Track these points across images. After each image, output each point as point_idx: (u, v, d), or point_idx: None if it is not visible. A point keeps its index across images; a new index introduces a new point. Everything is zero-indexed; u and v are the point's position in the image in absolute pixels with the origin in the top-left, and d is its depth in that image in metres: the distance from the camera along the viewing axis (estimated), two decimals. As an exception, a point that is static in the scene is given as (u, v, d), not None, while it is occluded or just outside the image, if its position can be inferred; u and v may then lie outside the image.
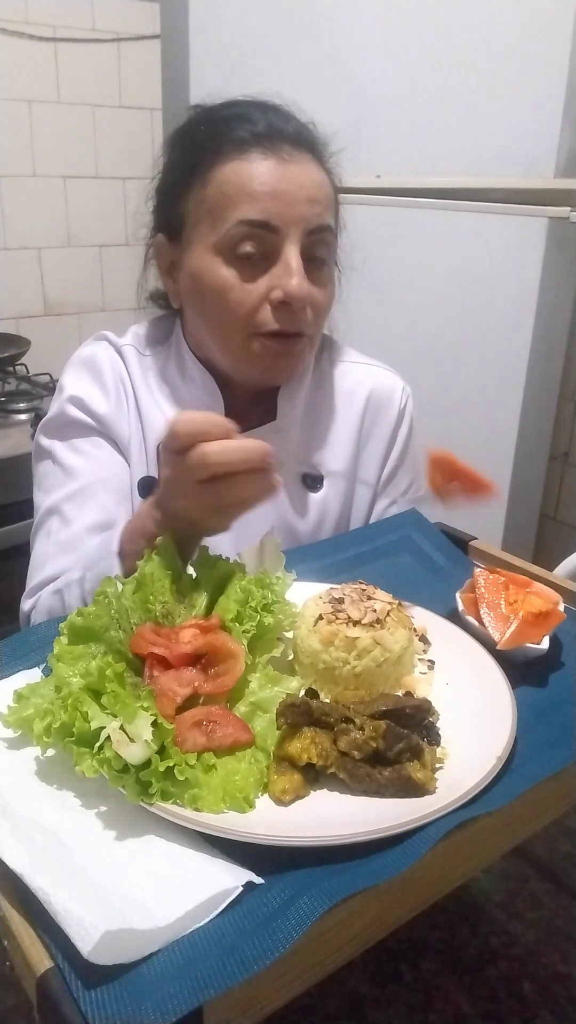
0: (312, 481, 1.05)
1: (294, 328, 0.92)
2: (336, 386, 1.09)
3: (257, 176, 0.89)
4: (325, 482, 1.06)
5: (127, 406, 1.01)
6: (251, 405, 1.02)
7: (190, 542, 0.75)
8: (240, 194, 0.89)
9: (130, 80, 2.48)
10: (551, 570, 0.97)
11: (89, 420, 1.00)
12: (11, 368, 2.24)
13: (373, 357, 1.14)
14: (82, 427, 1.00)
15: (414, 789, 0.57)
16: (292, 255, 0.89)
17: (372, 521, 1.09)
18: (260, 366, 0.95)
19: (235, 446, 0.68)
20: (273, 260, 0.90)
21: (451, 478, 0.80)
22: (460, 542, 0.95)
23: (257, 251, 0.89)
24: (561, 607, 0.75)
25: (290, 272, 0.89)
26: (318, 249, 0.92)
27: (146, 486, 0.99)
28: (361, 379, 1.10)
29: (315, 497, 1.05)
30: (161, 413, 1.01)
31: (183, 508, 0.72)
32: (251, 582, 0.72)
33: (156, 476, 0.99)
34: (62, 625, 0.65)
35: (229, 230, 0.89)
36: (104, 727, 0.55)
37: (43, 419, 1.04)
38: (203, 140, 0.94)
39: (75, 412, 1.00)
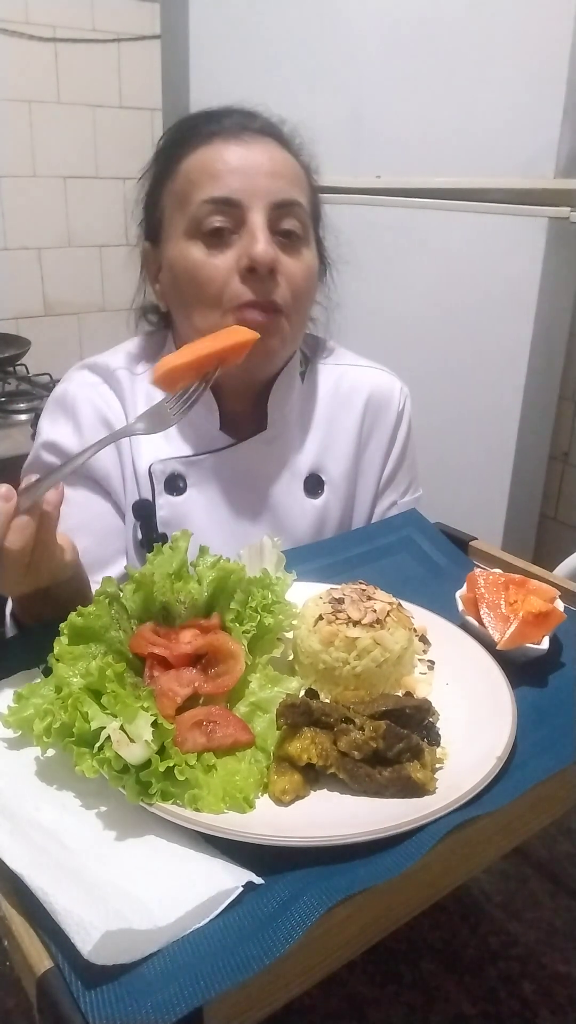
0: (313, 486, 1.05)
1: (264, 296, 0.90)
2: (334, 389, 1.08)
3: (219, 158, 0.92)
4: (326, 487, 1.06)
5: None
6: (245, 416, 1.01)
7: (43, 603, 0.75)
8: (203, 176, 0.91)
9: (130, 80, 2.48)
10: (551, 570, 0.97)
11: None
12: (11, 368, 2.24)
13: (373, 357, 1.14)
14: None
15: (414, 789, 0.57)
16: (258, 223, 0.90)
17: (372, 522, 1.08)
18: None
19: None
20: (239, 233, 0.91)
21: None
22: (460, 542, 0.95)
23: (224, 226, 0.90)
24: (560, 606, 0.75)
25: (255, 238, 0.89)
26: (286, 222, 0.92)
27: (140, 509, 0.98)
28: (359, 382, 1.09)
29: (316, 503, 1.05)
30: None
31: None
32: (251, 582, 0.72)
33: (151, 498, 0.98)
34: (62, 625, 0.65)
35: (195, 211, 0.91)
36: (104, 727, 0.55)
37: (24, 464, 1.02)
38: (172, 142, 0.98)
39: (50, 458, 0.99)
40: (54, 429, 1.00)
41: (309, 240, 0.96)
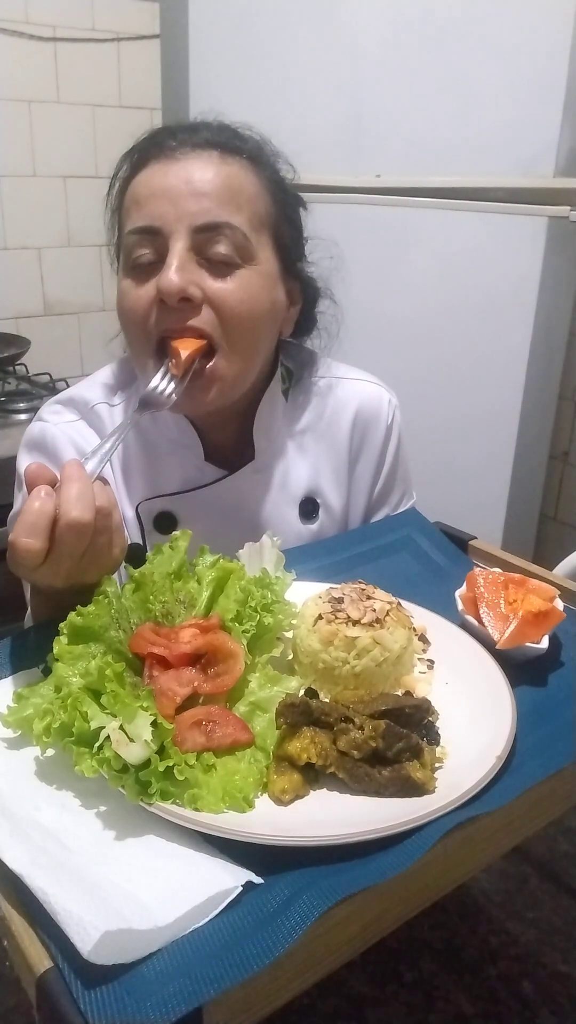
0: (308, 511, 1.02)
1: (176, 323, 0.85)
2: (320, 406, 1.04)
3: (144, 182, 0.87)
4: (320, 510, 1.03)
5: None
6: (229, 444, 0.98)
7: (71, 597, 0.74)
8: (131, 204, 0.88)
9: (130, 80, 2.48)
10: (551, 570, 0.97)
11: None
12: (11, 368, 2.24)
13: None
14: None
15: (414, 789, 0.57)
16: (173, 252, 0.85)
17: None
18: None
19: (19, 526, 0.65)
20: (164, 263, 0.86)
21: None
22: (460, 542, 0.95)
23: (151, 258, 0.86)
24: (560, 605, 0.75)
25: (167, 267, 0.84)
26: (213, 246, 0.86)
27: (132, 554, 0.92)
28: (346, 397, 1.05)
29: (312, 528, 1.02)
30: (137, 472, 0.96)
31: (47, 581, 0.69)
32: (251, 582, 0.72)
33: (141, 542, 0.95)
34: (62, 625, 0.65)
35: (125, 243, 0.88)
36: (104, 727, 0.55)
37: (10, 513, 0.98)
38: (125, 171, 0.93)
39: None
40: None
41: (253, 259, 0.88)
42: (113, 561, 0.71)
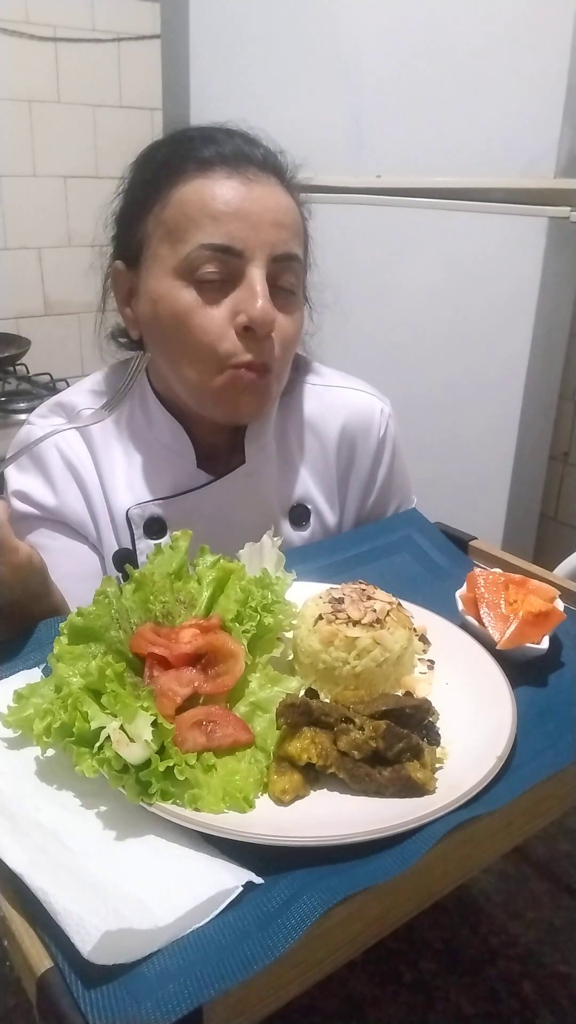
0: (299, 517, 1.01)
1: (260, 357, 0.86)
2: (311, 414, 1.03)
3: (220, 196, 0.84)
4: (312, 517, 1.02)
5: (82, 489, 0.95)
6: (222, 449, 0.97)
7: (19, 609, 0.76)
8: (202, 215, 0.84)
9: (130, 80, 2.48)
10: (551, 570, 0.97)
11: (38, 512, 0.95)
12: (11, 368, 2.24)
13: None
14: (33, 519, 0.95)
15: (414, 789, 0.57)
16: (257, 278, 0.84)
17: None
18: (224, 401, 0.89)
19: None
20: (236, 284, 0.85)
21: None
22: (460, 542, 0.95)
23: (219, 274, 0.85)
24: (560, 606, 0.75)
25: (255, 295, 0.83)
26: (284, 277, 0.87)
27: (121, 559, 0.94)
28: (335, 407, 1.03)
29: (304, 535, 1.01)
30: (127, 477, 0.95)
31: None
32: (251, 582, 0.72)
33: (131, 545, 0.94)
34: (62, 625, 0.65)
35: (190, 253, 0.84)
36: (104, 727, 0.55)
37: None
38: (165, 161, 0.90)
39: (23, 507, 0.95)
40: (21, 479, 0.95)
41: (300, 293, 0.91)
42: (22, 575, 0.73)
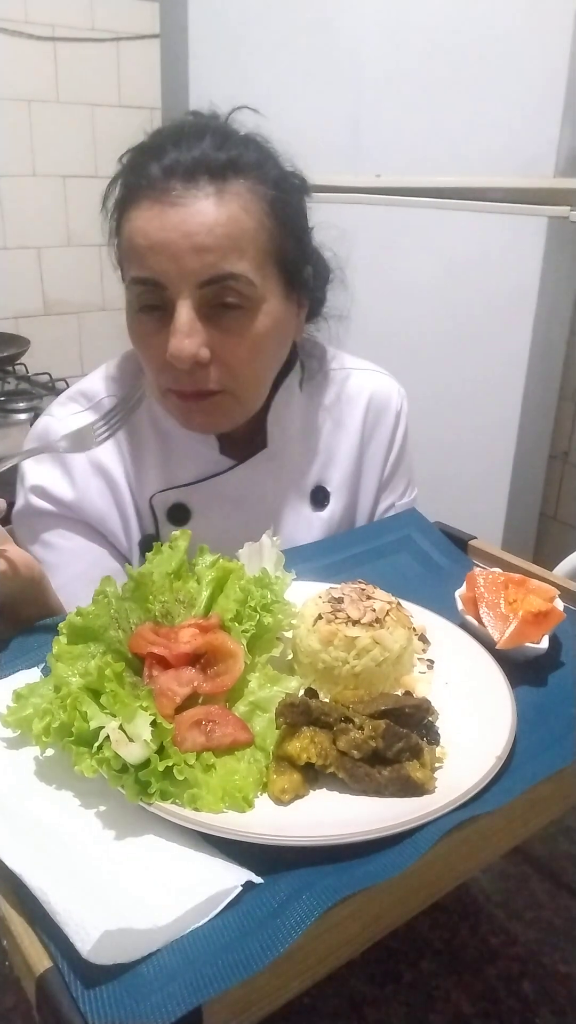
0: (319, 499, 1.04)
1: (191, 387, 0.86)
2: (333, 396, 1.06)
3: (140, 229, 0.83)
4: (331, 497, 1.04)
5: (107, 480, 0.96)
6: (244, 435, 0.98)
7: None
8: (130, 251, 0.85)
9: (130, 80, 2.48)
10: (551, 570, 0.97)
11: (54, 508, 0.95)
12: (11, 368, 2.24)
13: (373, 356, 1.13)
14: (49, 517, 0.96)
15: (413, 788, 0.57)
16: (182, 311, 0.82)
17: None
18: (180, 418, 0.91)
19: None
20: (172, 313, 0.84)
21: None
22: (460, 542, 0.95)
23: (156, 305, 0.85)
24: (560, 606, 0.75)
25: (174, 331, 0.82)
26: (224, 297, 0.84)
27: (147, 545, 0.91)
28: (359, 386, 1.07)
29: (322, 515, 1.03)
30: (153, 464, 0.96)
31: None
32: (251, 582, 0.72)
33: (155, 532, 0.96)
34: (61, 625, 0.65)
35: (129, 286, 0.86)
36: (103, 727, 0.55)
37: (14, 508, 0.98)
38: (122, 182, 0.89)
39: (39, 503, 0.95)
40: (39, 473, 0.96)
41: (261, 301, 0.86)
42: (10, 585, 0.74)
